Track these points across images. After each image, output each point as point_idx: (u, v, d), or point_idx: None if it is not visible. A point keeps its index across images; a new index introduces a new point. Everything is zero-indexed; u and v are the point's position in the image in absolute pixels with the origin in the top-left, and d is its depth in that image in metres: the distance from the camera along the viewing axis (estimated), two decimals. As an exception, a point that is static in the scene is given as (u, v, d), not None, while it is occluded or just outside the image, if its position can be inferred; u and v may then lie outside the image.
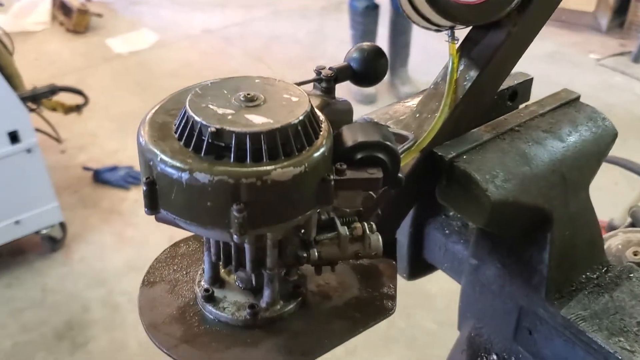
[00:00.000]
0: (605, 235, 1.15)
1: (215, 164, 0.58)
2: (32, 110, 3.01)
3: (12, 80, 2.85)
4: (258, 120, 0.59)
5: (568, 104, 0.91)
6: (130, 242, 3.23)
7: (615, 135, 0.88)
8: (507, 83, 0.94)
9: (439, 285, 2.80)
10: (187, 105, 0.61)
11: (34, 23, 5.57)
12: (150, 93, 4.49)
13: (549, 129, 0.85)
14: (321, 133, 0.63)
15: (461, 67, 0.82)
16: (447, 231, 1.01)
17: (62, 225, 3.15)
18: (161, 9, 6.13)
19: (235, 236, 0.59)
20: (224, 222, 0.59)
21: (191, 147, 0.59)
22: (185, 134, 0.60)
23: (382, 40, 4.43)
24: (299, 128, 0.60)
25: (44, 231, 3.06)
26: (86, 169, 3.73)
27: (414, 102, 0.91)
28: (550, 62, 4.91)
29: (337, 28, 5.31)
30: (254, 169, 0.57)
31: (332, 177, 0.62)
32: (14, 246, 3.12)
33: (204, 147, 0.59)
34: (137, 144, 0.63)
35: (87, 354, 2.68)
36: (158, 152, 0.59)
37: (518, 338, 0.90)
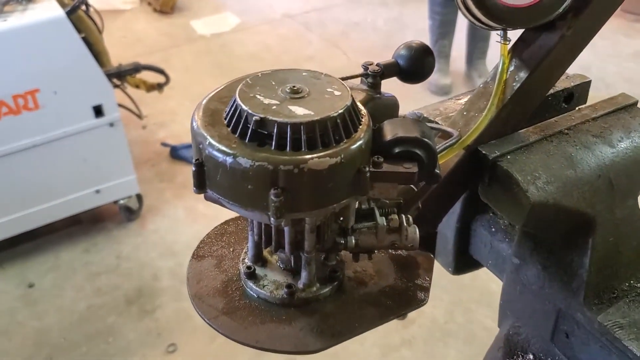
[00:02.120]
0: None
1: (257, 151, 0.62)
2: (116, 86, 3.17)
3: (100, 57, 3.01)
4: (299, 112, 0.63)
5: (624, 109, 0.89)
6: (202, 217, 3.37)
7: (671, 144, 0.87)
8: (563, 84, 0.94)
9: (500, 283, 2.78)
10: (237, 94, 0.66)
11: (123, 2, 5.82)
12: (229, 75, 4.57)
13: (600, 134, 0.84)
14: (360, 127, 0.66)
15: (511, 68, 0.82)
16: (493, 229, 1.02)
17: (139, 197, 3.32)
18: (245, -7, 6.26)
19: (272, 219, 0.63)
20: (262, 204, 0.63)
21: (237, 134, 0.64)
22: (233, 121, 0.65)
23: (461, 32, 4.37)
24: (338, 121, 0.63)
25: (122, 201, 3.23)
26: (164, 145, 3.89)
27: (465, 99, 0.92)
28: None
29: (417, 17, 5.26)
30: (292, 157, 0.61)
31: (368, 168, 0.65)
32: (94, 214, 3.32)
33: (249, 134, 0.63)
34: (190, 127, 0.68)
35: (154, 321, 2.83)
36: (207, 136, 0.64)
37: (555, 340, 0.90)
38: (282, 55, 4.98)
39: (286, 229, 0.71)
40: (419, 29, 4.95)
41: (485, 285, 2.84)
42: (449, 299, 2.88)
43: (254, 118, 0.63)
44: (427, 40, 4.33)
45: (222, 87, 0.73)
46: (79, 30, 2.77)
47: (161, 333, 2.77)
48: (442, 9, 4.16)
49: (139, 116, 3.47)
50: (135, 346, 2.72)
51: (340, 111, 0.64)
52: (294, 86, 0.67)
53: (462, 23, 4.34)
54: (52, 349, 2.70)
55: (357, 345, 2.68)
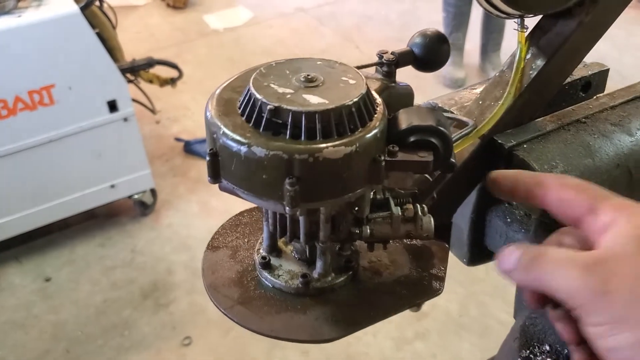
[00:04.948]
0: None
1: (272, 140, 0.61)
2: (130, 81, 3.19)
3: (114, 52, 3.03)
4: (314, 100, 0.63)
5: (643, 98, 0.88)
6: (215, 211, 3.38)
7: (691, 132, 0.85)
8: (580, 73, 0.92)
9: (515, 277, 2.76)
10: (251, 84, 0.65)
11: (137, -3, 5.86)
12: (242, 69, 4.62)
13: (618, 122, 0.83)
14: (375, 115, 0.65)
15: (528, 56, 0.81)
16: (508, 219, 1.00)
17: (153, 192, 3.34)
18: (257, -13, 6.26)
19: (287, 208, 0.63)
20: (277, 194, 0.63)
21: (251, 123, 0.63)
22: (247, 110, 0.64)
23: (476, 24, 4.34)
24: (353, 109, 0.63)
25: (136, 196, 3.25)
26: (178, 139, 3.91)
27: (480, 89, 0.91)
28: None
29: (430, 10, 5.24)
30: (307, 146, 0.61)
31: (383, 157, 0.65)
32: (109, 209, 3.34)
33: (263, 123, 0.63)
34: (204, 117, 0.68)
35: (168, 314, 2.85)
36: (221, 126, 0.64)
37: (572, 331, 0.89)
38: (295, 49, 4.98)
39: (301, 218, 0.71)
40: (432, 22, 4.92)
41: (500, 279, 2.82)
42: (464, 292, 2.87)
43: (268, 107, 0.62)
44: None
45: (235, 76, 0.73)
46: (93, 26, 2.79)
47: (176, 326, 2.79)
48: (456, 1, 4.13)
49: (153, 111, 3.49)
50: (151, 339, 2.74)
51: (355, 100, 0.63)
52: (308, 75, 0.66)
53: (476, 15, 4.31)
54: (68, 342, 2.73)
55: (371, 337, 2.68)
